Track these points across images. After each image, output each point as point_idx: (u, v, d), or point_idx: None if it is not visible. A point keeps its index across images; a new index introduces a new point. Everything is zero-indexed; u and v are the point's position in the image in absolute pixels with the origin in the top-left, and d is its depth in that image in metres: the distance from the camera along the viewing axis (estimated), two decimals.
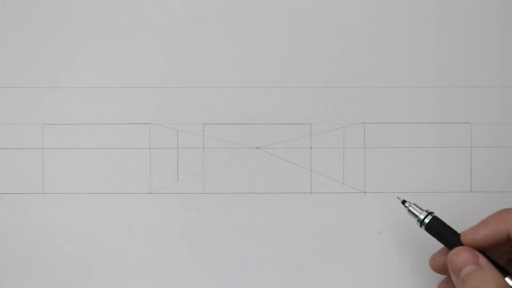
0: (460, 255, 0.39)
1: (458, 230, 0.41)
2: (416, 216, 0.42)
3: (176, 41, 0.46)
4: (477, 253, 0.39)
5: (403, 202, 0.43)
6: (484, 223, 0.39)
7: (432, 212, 0.42)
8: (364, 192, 0.46)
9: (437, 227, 0.41)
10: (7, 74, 0.46)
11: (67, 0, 0.46)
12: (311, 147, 0.46)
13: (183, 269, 0.45)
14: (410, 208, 0.42)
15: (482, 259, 0.38)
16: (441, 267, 0.41)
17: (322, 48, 0.46)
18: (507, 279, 0.38)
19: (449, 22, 0.46)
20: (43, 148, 0.46)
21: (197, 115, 0.46)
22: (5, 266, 0.45)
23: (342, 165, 0.46)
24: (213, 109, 0.46)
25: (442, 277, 0.43)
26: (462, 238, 0.40)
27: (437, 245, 0.42)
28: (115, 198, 0.46)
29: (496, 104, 0.46)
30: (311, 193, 0.46)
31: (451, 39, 0.46)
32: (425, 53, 0.46)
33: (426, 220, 0.41)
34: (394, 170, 0.46)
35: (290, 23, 0.46)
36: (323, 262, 0.46)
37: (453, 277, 0.39)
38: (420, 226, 0.42)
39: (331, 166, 0.46)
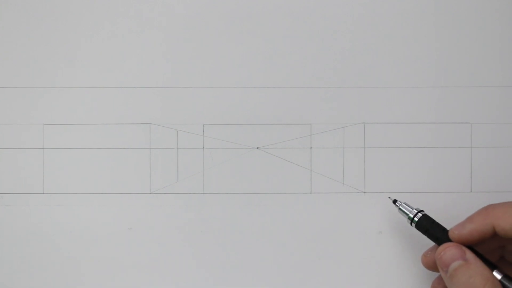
0: (448, 251, 0.39)
1: None
2: (406, 214, 0.43)
3: (176, 41, 0.46)
4: (464, 248, 0.39)
5: (394, 201, 0.44)
6: (470, 219, 0.40)
7: (422, 210, 0.42)
8: (364, 192, 0.46)
9: (426, 225, 0.42)
10: (7, 74, 0.46)
11: (67, 0, 0.46)
12: (311, 147, 0.46)
13: (183, 269, 0.45)
14: (400, 207, 0.43)
15: (469, 254, 0.39)
16: (432, 263, 0.42)
17: (322, 48, 0.46)
18: (494, 272, 0.38)
19: (449, 22, 0.46)
20: (43, 148, 0.46)
21: (197, 115, 0.46)
22: (5, 266, 0.45)
23: (342, 165, 0.46)
24: (213, 109, 0.46)
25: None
26: (450, 234, 0.40)
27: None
28: (115, 198, 0.46)
29: (496, 104, 0.46)
30: (311, 193, 0.46)
31: (451, 39, 0.46)
32: (425, 53, 0.46)
33: (416, 218, 0.42)
34: (394, 170, 0.46)
35: (290, 23, 0.46)
36: (323, 262, 0.46)
37: (442, 273, 0.40)
38: (411, 224, 0.42)
39: (331, 166, 0.46)
